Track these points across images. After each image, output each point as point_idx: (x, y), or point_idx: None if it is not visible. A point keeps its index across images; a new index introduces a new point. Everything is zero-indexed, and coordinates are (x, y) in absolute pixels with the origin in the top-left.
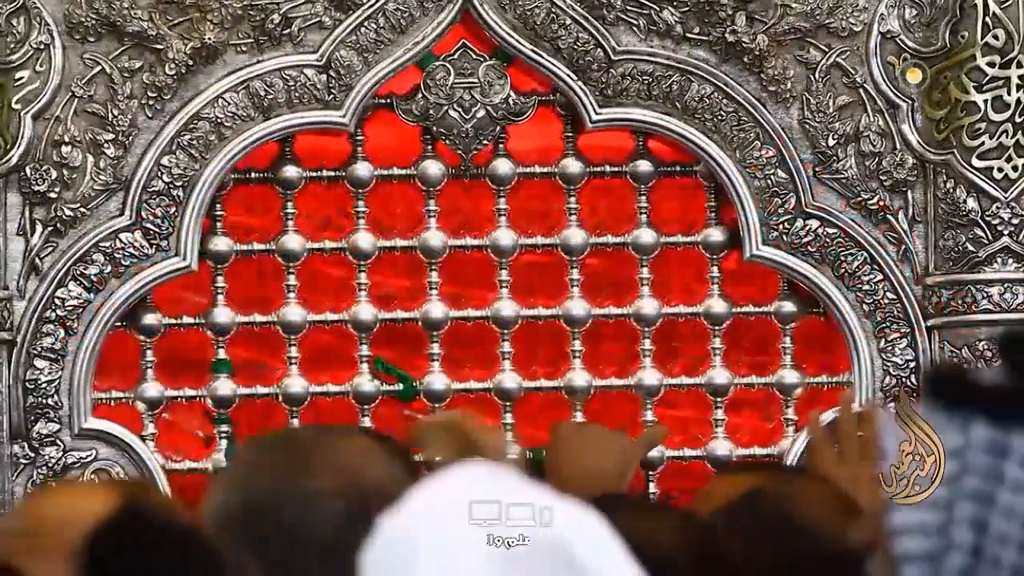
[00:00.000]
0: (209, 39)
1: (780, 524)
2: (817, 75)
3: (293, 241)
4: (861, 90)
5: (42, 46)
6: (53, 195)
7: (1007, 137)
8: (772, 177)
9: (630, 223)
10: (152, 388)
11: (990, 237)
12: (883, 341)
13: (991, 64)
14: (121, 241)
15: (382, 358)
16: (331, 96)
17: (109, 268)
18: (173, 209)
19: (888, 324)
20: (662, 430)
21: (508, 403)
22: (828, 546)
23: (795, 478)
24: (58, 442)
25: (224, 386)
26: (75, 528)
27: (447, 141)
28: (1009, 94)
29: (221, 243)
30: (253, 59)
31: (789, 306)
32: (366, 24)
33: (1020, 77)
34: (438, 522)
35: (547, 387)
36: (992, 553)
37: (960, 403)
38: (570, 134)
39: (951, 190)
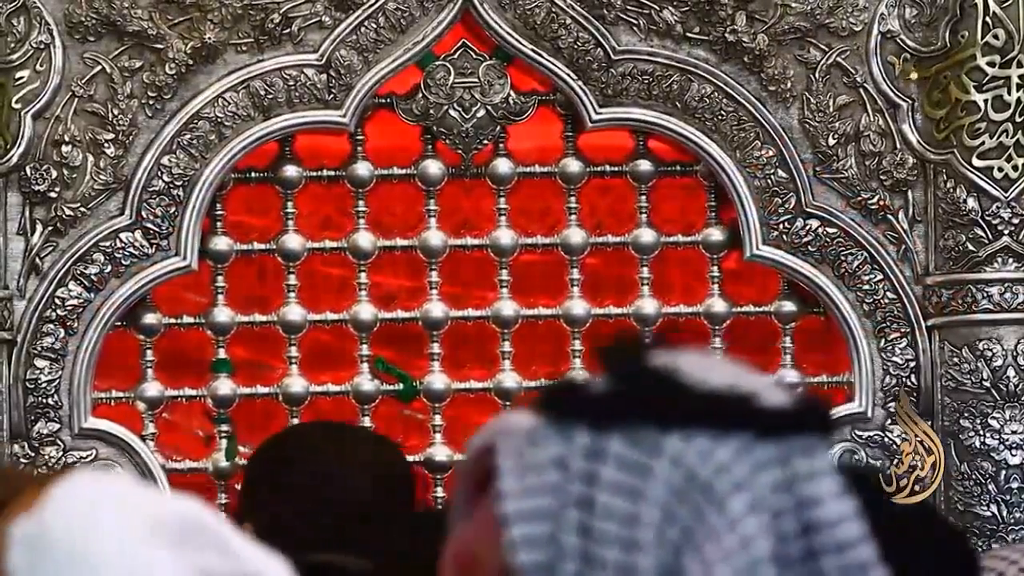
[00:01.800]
0: (209, 39)
1: None
2: (817, 75)
3: (293, 241)
4: (861, 90)
5: (42, 46)
6: (53, 195)
7: (1007, 137)
8: (772, 177)
9: (630, 223)
10: (152, 388)
11: (990, 237)
12: (883, 341)
13: (991, 64)
14: (121, 241)
15: (382, 358)
16: (331, 96)
17: (109, 268)
18: (173, 209)
19: (888, 324)
20: None
21: (508, 403)
22: None
23: None
24: (58, 442)
25: (224, 386)
26: None
27: (447, 141)
28: (1009, 94)
29: (221, 243)
30: (253, 59)
31: (789, 306)
32: (366, 24)
33: (1020, 77)
34: (102, 511)
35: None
36: (599, 556)
37: (565, 414)
38: (570, 134)
39: (951, 190)
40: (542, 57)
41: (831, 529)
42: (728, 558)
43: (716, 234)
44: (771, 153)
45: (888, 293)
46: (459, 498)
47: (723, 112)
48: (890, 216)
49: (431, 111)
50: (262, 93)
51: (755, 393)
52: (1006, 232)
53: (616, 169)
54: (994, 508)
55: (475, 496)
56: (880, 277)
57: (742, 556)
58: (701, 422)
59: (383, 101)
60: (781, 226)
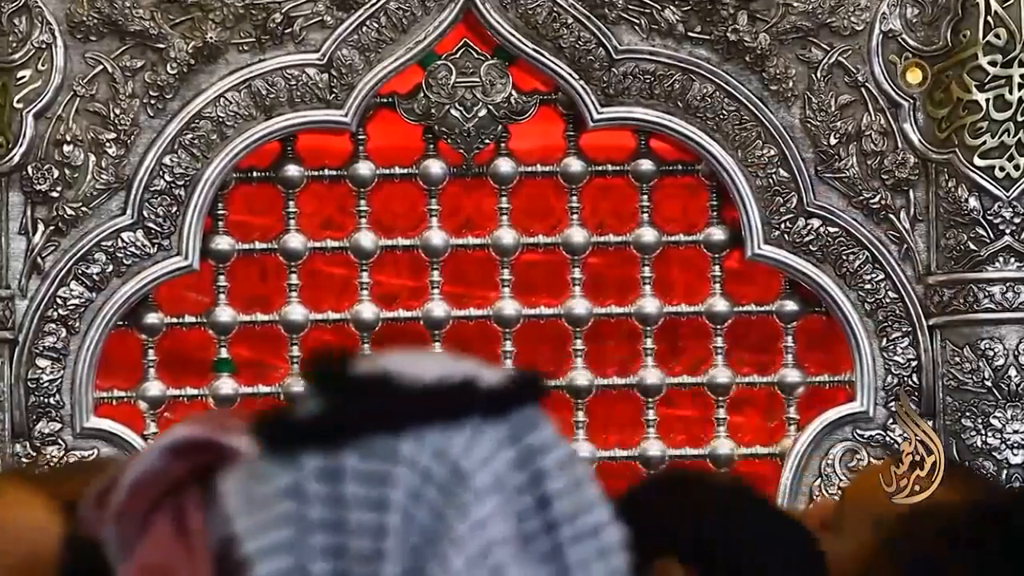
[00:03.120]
0: (211, 38)
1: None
2: (819, 74)
3: (295, 240)
4: (863, 89)
5: (44, 45)
6: (55, 194)
7: (1009, 136)
8: (774, 176)
9: (632, 222)
10: (154, 387)
11: (992, 236)
12: (885, 340)
13: (993, 63)
14: (123, 240)
15: None
16: (333, 95)
17: (111, 267)
18: (175, 208)
19: (890, 323)
20: None
21: None
22: None
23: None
24: (60, 441)
25: (226, 385)
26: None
27: (449, 140)
28: (1011, 93)
29: (223, 242)
30: (255, 58)
31: (791, 305)
32: (368, 23)
33: (1022, 76)
34: None
35: (549, 386)
36: (358, 573)
37: (286, 441)
38: (572, 133)
39: (953, 189)
40: (544, 57)
41: (563, 499)
42: (461, 545)
43: (718, 233)
44: (772, 152)
45: (890, 292)
46: (123, 531)
47: (725, 111)
48: (891, 215)
49: (433, 111)
50: (264, 92)
51: (470, 377)
52: (1008, 231)
53: (618, 168)
54: None
55: (143, 523)
56: (881, 276)
57: (476, 540)
58: (429, 419)
59: (385, 100)
60: (783, 225)
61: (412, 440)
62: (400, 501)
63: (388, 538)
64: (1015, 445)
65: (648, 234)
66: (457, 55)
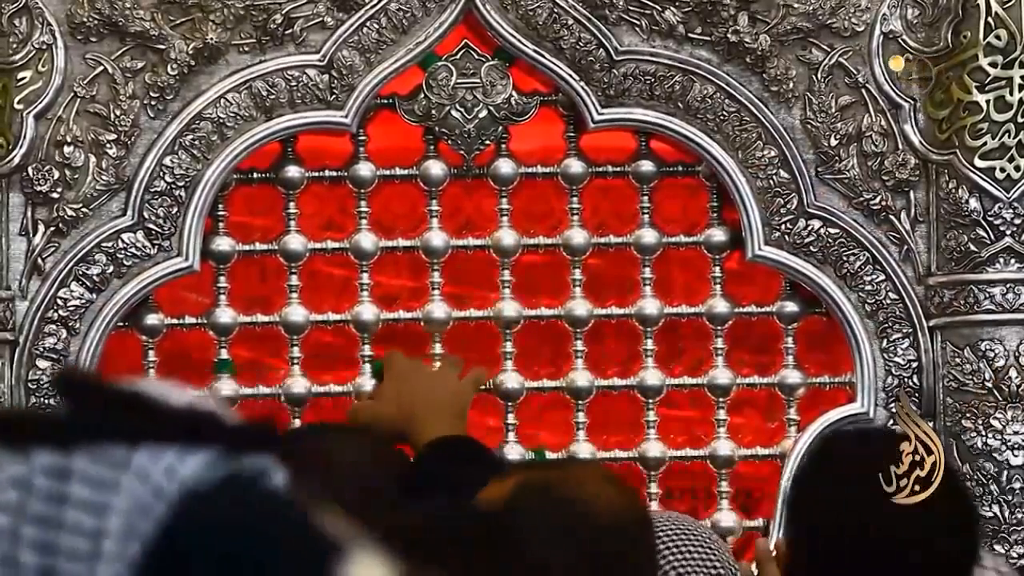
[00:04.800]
0: (211, 39)
1: (561, 507)
2: (819, 75)
3: (295, 241)
4: (863, 90)
5: (44, 46)
6: (55, 195)
7: (1009, 137)
8: (774, 177)
9: (632, 223)
10: None
11: (992, 237)
12: (885, 341)
13: (993, 64)
14: (123, 241)
15: (379, 362)
16: (333, 96)
17: (111, 268)
18: (175, 209)
19: (890, 324)
20: (482, 370)
21: (510, 403)
22: (607, 518)
23: (563, 469)
24: None
25: (226, 386)
26: None
27: (449, 141)
28: (1011, 94)
29: (223, 243)
30: (255, 59)
31: (791, 306)
32: (368, 24)
33: (1022, 77)
34: None
35: (549, 387)
36: (66, 572)
37: (22, 437)
38: (572, 134)
39: (953, 190)
40: (544, 58)
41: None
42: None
43: (718, 234)
44: (773, 154)
45: (890, 294)
46: None
47: (725, 112)
48: (892, 216)
49: (433, 111)
50: (264, 94)
51: (214, 413)
52: (1008, 232)
53: (618, 170)
54: (996, 509)
55: None
56: (882, 278)
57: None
58: (169, 438)
59: (385, 102)
60: (783, 226)
61: (147, 454)
62: (121, 508)
63: (105, 541)
64: (1015, 446)
65: (648, 235)
66: (458, 56)
